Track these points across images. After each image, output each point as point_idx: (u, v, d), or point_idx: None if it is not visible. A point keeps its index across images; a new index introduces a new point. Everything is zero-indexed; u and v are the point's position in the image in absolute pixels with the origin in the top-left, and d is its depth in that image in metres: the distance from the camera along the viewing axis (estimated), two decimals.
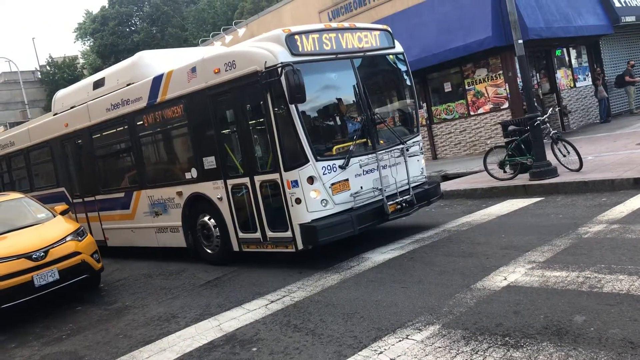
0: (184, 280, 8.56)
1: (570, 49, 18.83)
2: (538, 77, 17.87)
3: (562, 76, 18.31)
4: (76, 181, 12.05)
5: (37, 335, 7.28)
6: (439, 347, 4.48)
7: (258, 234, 8.02)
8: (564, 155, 10.61)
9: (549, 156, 10.69)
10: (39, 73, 61.91)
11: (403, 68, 9.01)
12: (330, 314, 5.77)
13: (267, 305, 6.48)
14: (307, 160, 7.34)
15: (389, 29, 8.84)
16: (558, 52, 18.37)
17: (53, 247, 8.08)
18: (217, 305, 6.87)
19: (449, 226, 8.80)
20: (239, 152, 8.19)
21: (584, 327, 4.37)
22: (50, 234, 8.39)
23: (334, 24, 8.25)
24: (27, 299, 7.80)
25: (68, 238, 8.38)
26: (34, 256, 7.85)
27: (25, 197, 9.99)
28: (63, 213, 9.55)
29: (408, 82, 9.09)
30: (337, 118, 8.28)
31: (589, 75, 19.26)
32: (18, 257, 7.79)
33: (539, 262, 6.15)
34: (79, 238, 8.54)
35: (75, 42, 74.64)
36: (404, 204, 8.09)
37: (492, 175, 11.40)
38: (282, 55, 7.29)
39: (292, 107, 7.18)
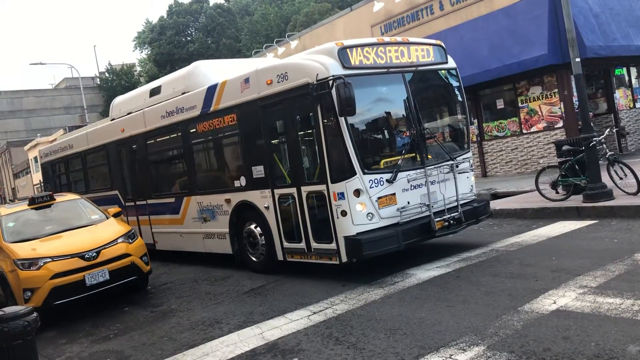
0: (228, 287, 8.68)
1: (631, 68, 18.23)
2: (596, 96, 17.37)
3: (621, 96, 17.73)
4: (129, 185, 12.43)
5: (86, 332, 7.52)
6: None
7: (303, 244, 8.06)
8: (621, 178, 10.24)
9: (605, 178, 10.33)
10: (98, 79, 64.37)
11: (455, 83, 8.93)
12: (373, 328, 5.73)
13: (309, 316, 6.49)
14: (355, 173, 7.34)
15: (442, 44, 8.79)
16: (618, 72, 17.81)
17: (105, 248, 8.35)
18: (260, 313, 6.93)
19: (497, 246, 8.62)
20: (287, 162, 8.27)
21: (638, 357, 4.19)
22: (103, 235, 8.68)
23: (386, 38, 8.27)
24: (79, 297, 8.08)
25: (119, 240, 8.63)
26: (86, 256, 8.13)
27: (80, 198, 10.37)
28: (116, 215, 9.85)
29: (460, 98, 8.99)
30: (386, 132, 8.27)
31: None
32: (72, 256, 8.09)
33: (591, 287, 5.94)
34: (130, 240, 8.79)
35: (134, 50, 77.38)
36: (451, 221, 7.98)
37: (543, 196, 11.11)
38: (334, 68, 7.34)
39: (342, 119, 7.21)
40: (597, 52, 14.79)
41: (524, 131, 16.71)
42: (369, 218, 7.46)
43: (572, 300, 5.64)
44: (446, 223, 7.93)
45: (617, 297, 5.54)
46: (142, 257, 8.85)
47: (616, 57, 15.98)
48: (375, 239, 7.37)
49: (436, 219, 7.83)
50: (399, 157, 7.81)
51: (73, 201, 10.07)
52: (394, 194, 7.66)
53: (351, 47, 7.61)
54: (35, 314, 3.52)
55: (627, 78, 18.16)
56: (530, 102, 16.47)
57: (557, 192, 11.05)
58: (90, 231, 8.93)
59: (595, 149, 10.20)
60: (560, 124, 15.73)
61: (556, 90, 15.76)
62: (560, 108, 15.70)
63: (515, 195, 13.07)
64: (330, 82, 7.18)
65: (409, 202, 7.77)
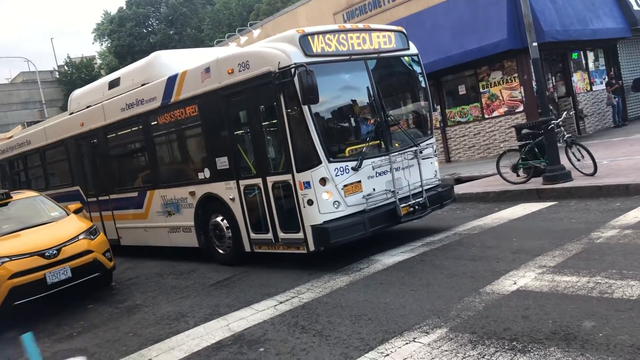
0: (194, 280, 8.61)
1: (588, 52, 18.65)
2: (554, 81, 17.73)
3: (578, 79, 18.15)
4: (91, 180, 12.18)
5: (49, 332, 7.37)
6: (446, 351, 4.46)
7: (270, 235, 8.04)
8: (578, 160, 10.50)
9: (563, 160, 10.59)
10: (57, 73, 62.66)
11: (418, 70, 8.99)
12: (338, 315, 5.77)
13: (275, 306, 6.49)
14: (320, 162, 7.34)
15: (404, 30, 8.82)
16: (575, 55, 18.20)
17: (65, 245, 8.18)
18: (226, 305, 6.90)
19: (460, 229, 8.76)
20: (252, 152, 8.22)
21: (593, 332, 4.33)
22: (63, 232, 8.49)
23: (348, 25, 8.25)
24: (40, 296, 7.90)
25: (80, 236, 8.47)
26: (46, 254, 7.95)
27: (39, 195, 10.12)
28: (76, 212, 9.65)
29: (422, 84, 9.06)
30: (351, 119, 8.28)
31: (606, 78, 19.06)
32: (31, 254, 7.89)
33: (550, 267, 6.09)
34: (92, 237, 8.62)
35: (93, 42, 75.52)
36: (416, 207, 8.06)
37: (505, 179, 11.32)
38: (296, 56, 7.30)
39: (305, 108, 7.19)
40: (555, 37, 15.08)
41: (486, 116, 16.96)
42: (336, 206, 7.48)
43: (531, 280, 5.77)
44: (411, 209, 8.01)
45: (574, 275, 5.70)
46: (105, 253, 8.71)
47: (573, 41, 16.33)
48: (342, 226, 7.40)
49: (401, 205, 7.91)
50: (364, 145, 7.84)
51: (31, 198, 9.82)
52: (360, 181, 7.69)
53: (312, 34, 7.57)
54: None
55: (583, 62, 18.58)
56: (491, 87, 16.71)
57: (518, 175, 11.27)
58: (50, 228, 8.73)
59: (553, 132, 10.43)
60: (521, 108, 16.02)
61: (516, 74, 16.03)
62: (520, 92, 15.98)
63: (478, 179, 13.29)
64: (292, 70, 7.14)
65: (374, 189, 7.81)
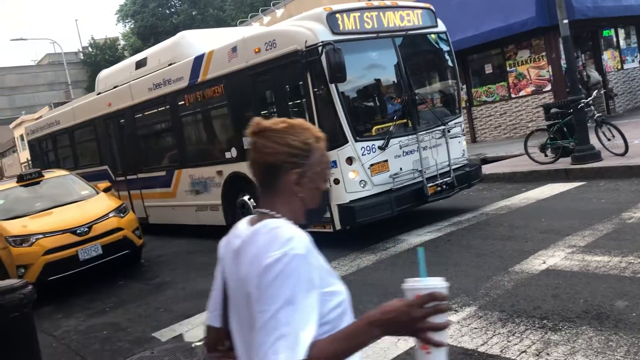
0: None
1: (619, 29, 18.17)
2: (583, 59, 17.35)
3: (609, 57, 17.72)
4: (119, 159, 12.35)
5: (82, 307, 7.56)
6: (475, 329, 4.47)
7: None
8: (609, 139, 10.30)
9: (593, 140, 10.40)
10: (81, 54, 63.29)
11: (445, 48, 8.88)
12: (366, 293, 5.80)
13: None
14: (346, 141, 7.34)
15: (432, 7, 8.70)
16: (606, 33, 17.76)
17: (96, 223, 8.34)
18: None
19: (488, 209, 8.70)
20: None
21: (626, 312, 4.29)
22: (94, 210, 8.66)
23: (375, 2, 8.16)
24: (73, 272, 8.10)
25: (110, 214, 8.62)
26: (78, 231, 8.13)
27: (70, 174, 10.31)
28: (106, 190, 9.81)
29: (450, 63, 8.95)
30: (378, 98, 8.24)
31: (638, 56, 18.58)
32: (63, 231, 8.08)
33: (580, 247, 6.03)
34: (121, 215, 8.78)
35: (117, 24, 75.92)
36: (444, 186, 8.03)
37: (532, 159, 11.18)
38: (323, 34, 7.27)
39: (332, 86, 7.17)
40: (585, 14, 14.70)
41: (513, 95, 16.70)
42: (362, 185, 7.49)
43: (561, 259, 5.73)
44: (439, 188, 7.98)
45: (605, 255, 5.64)
46: (135, 230, 8.86)
47: (604, 18, 15.90)
48: (369, 205, 7.41)
49: (429, 185, 7.88)
50: (391, 124, 7.80)
51: (62, 177, 10.01)
52: (387, 160, 7.67)
53: (340, 12, 7.52)
54: (30, 287, 3.54)
55: (615, 39, 18.12)
56: (518, 66, 16.43)
57: (545, 155, 11.12)
58: (80, 207, 8.90)
59: (583, 111, 10.24)
60: (549, 87, 15.74)
61: (544, 53, 15.72)
62: (548, 71, 15.69)
63: (505, 159, 13.14)
64: (320, 48, 7.12)
65: (401, 169, 7.79)
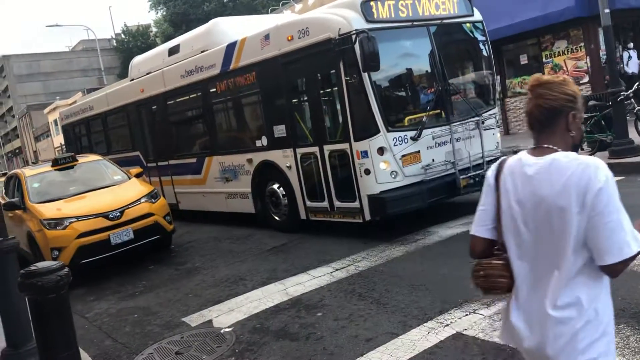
0: (251, 245, 8.75)
1: None
2: (620, 50, 16.82)
3: None
4: (151, 146, 12.47)
5: (113, 290, 7.68)
6: None
7: (326, 203, 8.05)
8: None
9: (632, 134, 10.11)
10: (114, 41, 64.11)
11: (481, 37, 8.69)
12: (395, 284, 5.75)
13: (332, 272, 6.53)
14: (378, 131, 7.25)
15: None
16: None
17: (128, 208, 8.44)
18: (283, 270, 6.99)
19: None
20: (309, 120, 8.19)
21: None
22: (126, 195, 8.76)
23: None
24: (105, 256, 8.22)
25: (142, 200, 8.71)
26: (110, 216, 8.23)
27: (102, 159, 10.44)
28: (138, 176, 9.90)
29: (485, 53, 8.76)
30: (411, 88, 8.12)
31: None
32: (96, 215, 8.20)
33: None
34: (153, 200, 8.86)
35: (149, 11, 76.62)
36: (477, 179, 7.87)
37: None
38: (357, 22, 7.17)
39: (365, 75, 7.08)
40: (628, 3, 14.25)
41: None
42: (393, 176, 7.40)
43: None
44: (471, 180, 7.83)
45: None
46: (165, 216, 8.94)
47: None
48: (399, 197, 7.32)
49: (461, 177, 7.74)
50: (424, 114, 7.67)
51: (95, 162, 10.15)
52: (419, 151, 7.56)
53: None
54: (66, 269, 3.57)
55: None
56: (554, 57, 16.03)
57: (582, 149, 10.84)
58: (113, 191, 9.01)
59: (623, 104, 9.95)
60: (586, 79, 15.32)
61: (582, 44, 15.28)
62: (586, 63, 15.26)
63: None
64: (353, 36, 7.02)
65: (433, 160, 7.67)
